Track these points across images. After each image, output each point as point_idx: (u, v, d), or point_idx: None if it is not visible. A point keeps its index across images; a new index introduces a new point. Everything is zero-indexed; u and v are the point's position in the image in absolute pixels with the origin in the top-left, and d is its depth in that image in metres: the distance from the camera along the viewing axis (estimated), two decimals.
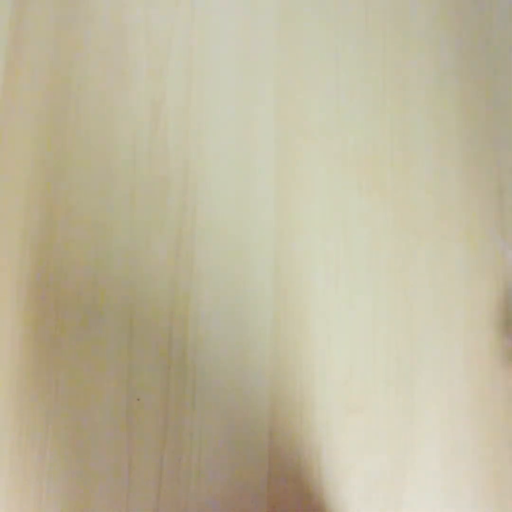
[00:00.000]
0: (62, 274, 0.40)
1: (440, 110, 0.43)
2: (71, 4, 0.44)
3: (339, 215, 0.41)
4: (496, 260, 0.40)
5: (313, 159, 0.42)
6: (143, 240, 0.40)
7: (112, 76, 0.43)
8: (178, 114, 0.42)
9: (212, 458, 0.37)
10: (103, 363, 0.39)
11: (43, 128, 0.42)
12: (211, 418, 0.38)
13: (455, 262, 0.40)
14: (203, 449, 0.37)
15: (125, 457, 0.37)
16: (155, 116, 0.42)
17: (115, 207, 0.41)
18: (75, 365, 0.39)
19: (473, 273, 0.40)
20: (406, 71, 0.43)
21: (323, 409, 0.38)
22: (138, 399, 0.38)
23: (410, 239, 0.41)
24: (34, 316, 0.39)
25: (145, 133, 0.42)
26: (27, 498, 0.37)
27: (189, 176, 0.41)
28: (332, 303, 0.40)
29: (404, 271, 0.40)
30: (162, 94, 0.42)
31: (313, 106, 0.42)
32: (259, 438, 0.38)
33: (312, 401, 0.38)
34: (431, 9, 0.44)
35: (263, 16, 0.44)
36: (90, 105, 0.42)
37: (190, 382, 0.38)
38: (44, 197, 0.41)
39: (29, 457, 0.38)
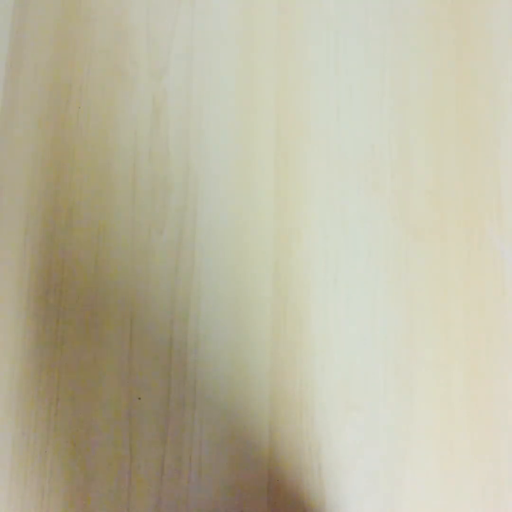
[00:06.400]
0: (63, 274, 0.40)
1: (439, 110, 0.43)
2: (72, 4, 0.44)
3: (339, 215, 0.41)
4: (496, 260, 0.40)
5: (313, 159, 0.42)
6: (144, 240, 0.40)
7: (113, 76, 0.43)
8: (179, 114, 0.42)
9: (212, 457, 0.38)
10: (104, 363, 0.39)
11: (44, 128, 0.42)
12: (211, 417, 0.38)
13: (454, 262, 0.40)
14: (203, 448, 0.38)
15: (126, 456, 0.38)
16: (156, 116, 0.42)
17: (116, 207, 0.41)
18: (77, 364, 0.39)
19: (473, 273, 0.40)
20: (406, 71, 0.43)
21: (323, 408, 0.38)
22: (139, 399, 0.38)
23: (409, 239, 0.41)
24: (36, 316, 0.40)
25: (145, 133, 0.42)
26: (28, 497, 0.37)
27: (190, 176, 0.41)
28: (332, 302, 0.40)
29: (403, 271, 0.40)
30: (163, 94, 0.42)
31: (313, 106, 0.42)
32: (259, 437, 0.38)
33: (311, 400, 0.38)
34: (430, 9, 0.44)
35: (263, 16, 0.44)
36: (91, 105, 0.42)
37: (190, 382, 0.39)
38: (45, 197, 0.41)
39: (30, 457, 0.38)
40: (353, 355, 0.39)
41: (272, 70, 0.43)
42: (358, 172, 0.42)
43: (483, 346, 0.39)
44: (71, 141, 0.42)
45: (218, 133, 0.42)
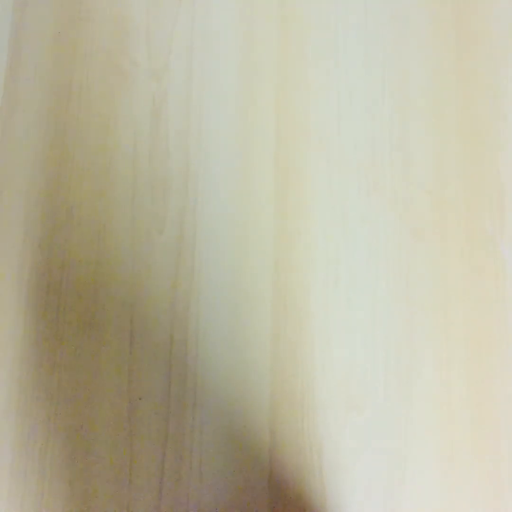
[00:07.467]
0: (63, 274, 0.40)
1: (439, 110, 0.43)
2: (72, 4, 0.44)
3: (339, 215, 0.41)
4: (496, 260, 0.40)
5: (313, 159, 0.42)
6: (144, 240, 0.40)
7: (113, 76, 0.43)
8: (179, 114, 0.42)
9: (213, 457, 0.38)
10: (104, 363, 0.39)
11: (44, 128, 0.42)
12: (212, 418, 0.38)
13: (454, 262, 0.40)
14: (204, 448, 0.38)
15: (127, 457, 0.38)
16: (156, 116, 0.42)
17: (116, 207, 0.41)
18: (77, 365, 0.39)
19: (473, 273, 0.40)
20: (406, 71, 0.43)
21: (323, 408, 0.38)
22: (140, 399, 0.38)
23: (410, 239, 0.41)
24: (36, 316, 0.40)
25: (145, 133, 0.42)
26: (28, 498, 0.37)
27: (190, 176, 0.41)
28: (332, 303, 0.40)
29: (403, 271, 0.40)
30: (163, 94, 0.42)
31: (313, 106, 0.43)
32: (260, 437, 0.38)
33: (312, 400, 0.38)
34: (430, 9, 0.44)
35: (263, 16, 0.44)
36: (91, 105, 0.42)
37: (191, 382, 0.39)
38: (45, 197, 0.41)
39: (30, 457, 0.38)
40: (353, 355, 0.39)
41: (272, 70, 0.43)
42: (358, 172, 0.42)
43: (483, 346, 0.39)
44: (71, 141, 0.42)
45: (218, 133, 0.42)
